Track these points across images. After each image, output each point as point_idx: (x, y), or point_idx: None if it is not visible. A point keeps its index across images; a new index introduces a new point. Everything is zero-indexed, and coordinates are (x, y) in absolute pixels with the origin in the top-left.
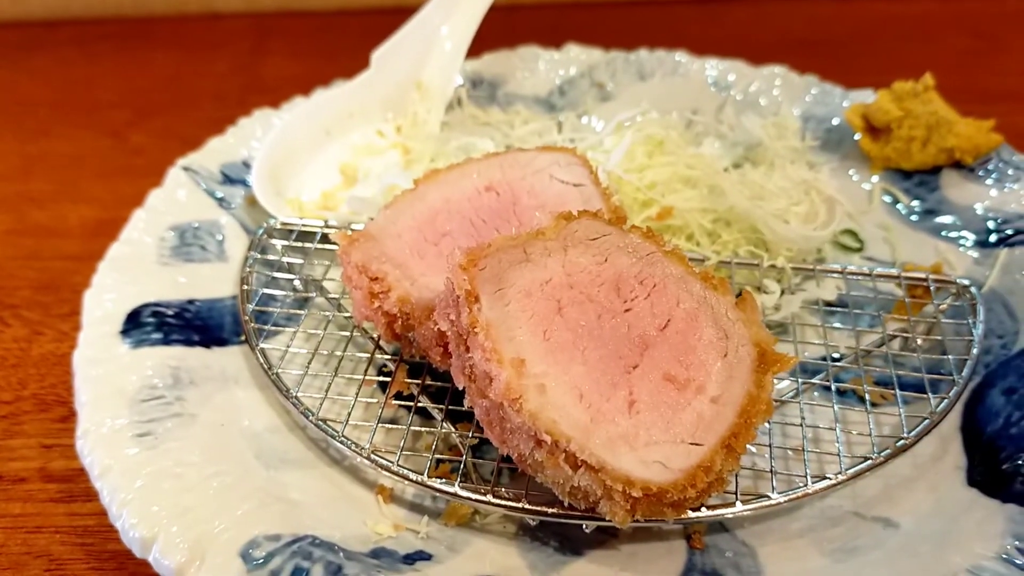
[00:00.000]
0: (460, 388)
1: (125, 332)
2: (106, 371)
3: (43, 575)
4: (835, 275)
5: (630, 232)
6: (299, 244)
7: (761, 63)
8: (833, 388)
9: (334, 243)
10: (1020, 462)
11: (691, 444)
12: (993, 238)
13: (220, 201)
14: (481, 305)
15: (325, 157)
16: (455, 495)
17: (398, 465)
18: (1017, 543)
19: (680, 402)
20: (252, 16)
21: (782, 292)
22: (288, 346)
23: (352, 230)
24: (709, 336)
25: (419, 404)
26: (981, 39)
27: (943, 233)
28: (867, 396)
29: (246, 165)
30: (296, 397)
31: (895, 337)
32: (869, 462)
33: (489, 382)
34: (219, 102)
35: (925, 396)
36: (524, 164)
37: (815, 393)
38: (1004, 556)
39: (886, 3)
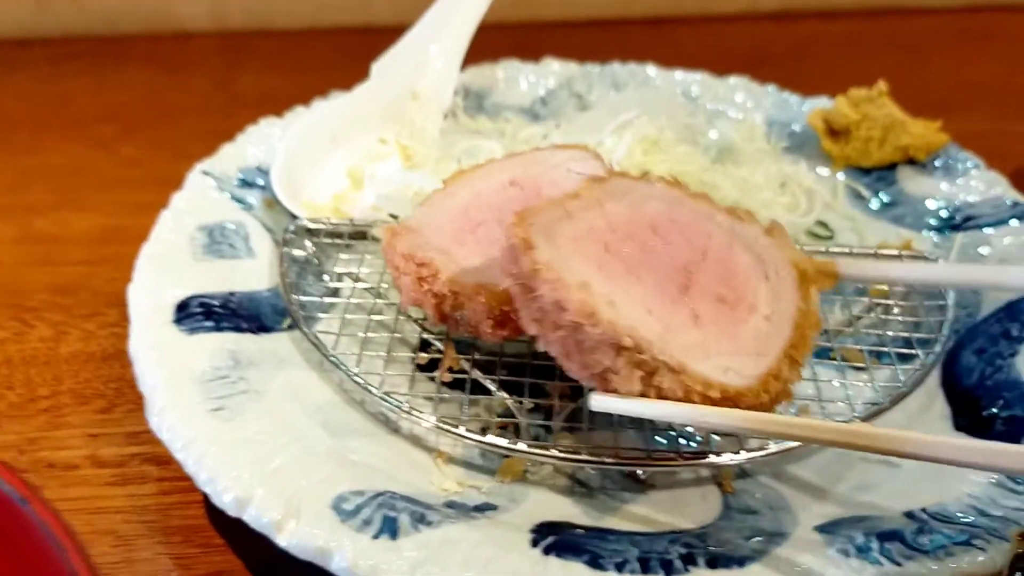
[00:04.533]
0: (531, 335)
1: (177, 321)
2: (167, 355)
3: (111, 551)
4: (820, 254)
5: (656, 183)
6: (327, 241)
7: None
8: (834, 356)
9: (359, 239)
10: (996, 409)
11: (757, 355)
12: (949, 224)
13: (240, 203)
14: (537, 250)
15: (332, 162)
16: (520, 451)
17: (465, 427)
18: None
19: (737, 319)
20: (221, 36)
21: None
22: (339, 331)
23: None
24: (746, 261)
25: (473, 376)
26: (908, 54)
27: (904, 221)
28: (867, 359)
29: (260, 170)
30: (359, 374)
31: (879, 305)
32: (877, 407)
33: (561, 309)
34: (204, 115)
35: (914, 352)
36: (542, 161)
37: (813, 367)
38: (993, 481)
39: (818, 22)
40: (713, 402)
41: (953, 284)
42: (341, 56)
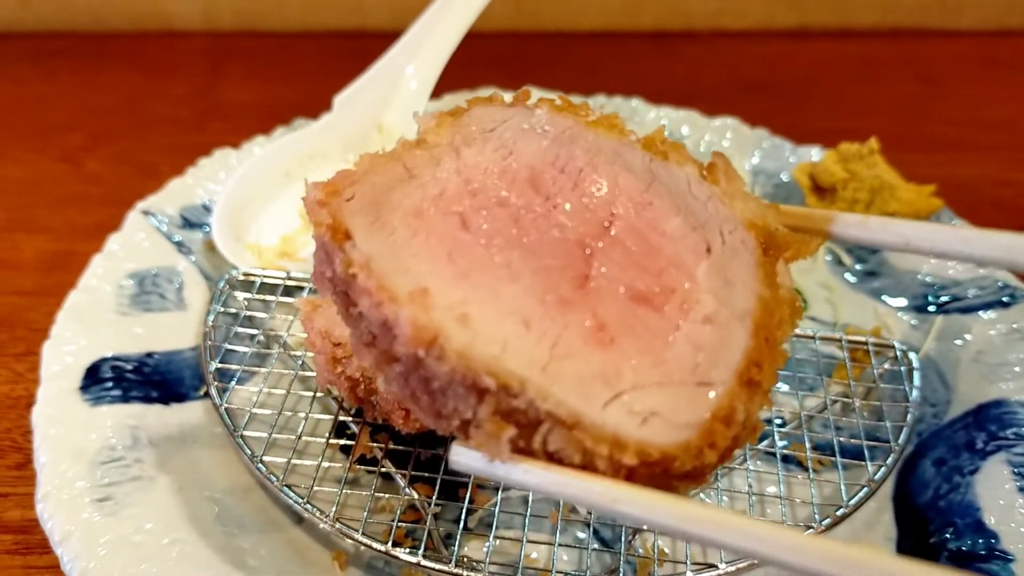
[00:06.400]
0: (368, 366)
1: (84, 388)
2: (66, 430)
3: None
4: None
5: (537, 108)
6: (261, 297)
7: (715, 102)
8: (778, 454)
9: (296, 293)
10: (947, 536)
11: (697, 385)
12: (930, 304)
13: (179, 246)
14: (355, 240)
15: (284, 200)
16: (418, 565)
17: (362, 533)
18: None
19: (664, 327)
20: (210, 35)
21: None
22: (252, 405)
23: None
24: (676, 227)
25: (383, 469)
26: (925, 84)
27: (882, 297)
28: (809, 463)
29: (206, 208)
30: (262, 461)
31: (836, 401)
32: (811, 531)
33: (391, 333)
34: (176, 127)
35: (863, 464)
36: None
37: (758, 462)
38: None
39: (834, 42)
40: (629, 471)
41: (965, 256)
42: (330, 61)
